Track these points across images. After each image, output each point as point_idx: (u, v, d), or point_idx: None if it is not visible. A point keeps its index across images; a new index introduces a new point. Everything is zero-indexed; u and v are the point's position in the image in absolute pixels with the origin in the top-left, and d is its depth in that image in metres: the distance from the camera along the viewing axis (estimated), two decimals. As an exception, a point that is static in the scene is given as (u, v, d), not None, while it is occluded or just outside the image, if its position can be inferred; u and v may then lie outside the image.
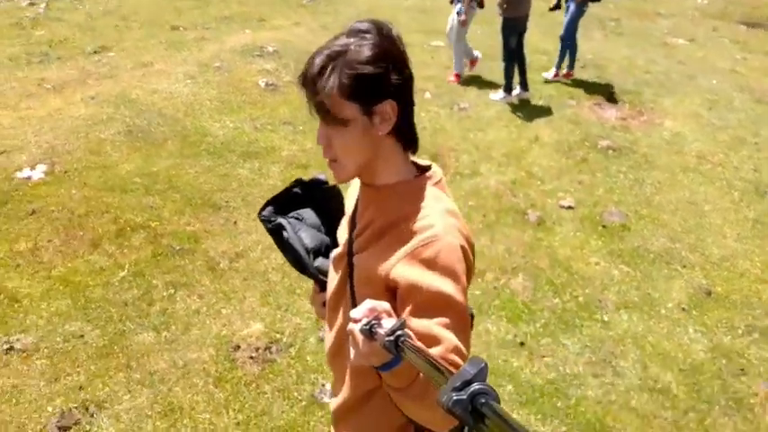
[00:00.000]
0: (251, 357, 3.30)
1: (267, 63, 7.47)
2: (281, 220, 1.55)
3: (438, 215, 1.26)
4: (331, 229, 1.58)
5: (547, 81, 7.85)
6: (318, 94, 1.21)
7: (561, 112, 6.97)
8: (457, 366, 1.09)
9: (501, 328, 3.67)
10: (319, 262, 1.55)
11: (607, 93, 7.60)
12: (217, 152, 5.38)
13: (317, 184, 1.64)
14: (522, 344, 3.56)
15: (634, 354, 3.60)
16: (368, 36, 1.22)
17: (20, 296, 3.63)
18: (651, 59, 9.29)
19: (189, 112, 6.09)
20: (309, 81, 1.23)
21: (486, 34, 8.94)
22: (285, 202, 1.61)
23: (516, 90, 7.20)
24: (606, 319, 3.85)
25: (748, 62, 10.40)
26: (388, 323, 0.95)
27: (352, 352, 1.05)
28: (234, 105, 6.41)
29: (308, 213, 1.62)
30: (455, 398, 0.67)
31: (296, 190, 1.62)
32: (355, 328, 1.02)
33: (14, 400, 2.96)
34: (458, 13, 7.32)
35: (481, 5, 7.57)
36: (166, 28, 9.37)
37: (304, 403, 3.06)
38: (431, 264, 1.20)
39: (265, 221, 1.58)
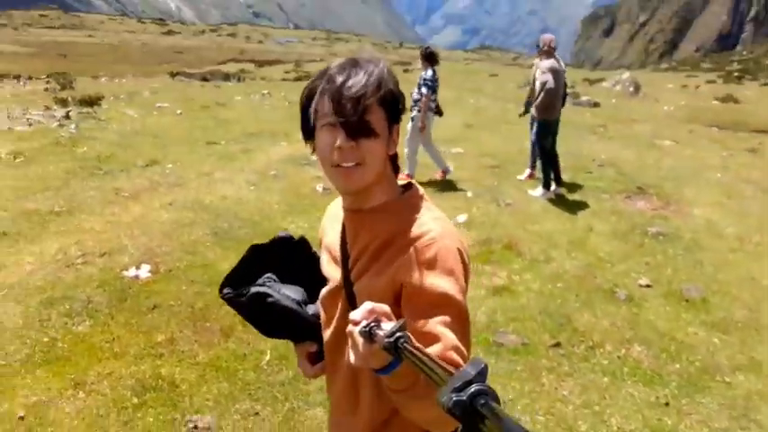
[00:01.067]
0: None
1: (317, 171, 7.89)
2: (256, 289, 1.50)
3: (433, 221, 1.32)
4: (301, 283, 1.61)
5: (521, 181, 8.46)
6: (364, 99, 1.24)
7: (600, 204, 7.51)
8: (456, 365, 1.12)
9: (641, 392, 3.85)
10: (312, 309, 1.57)
11: (632, 187, 8.23)
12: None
13: (282, 243, 1.63)
14: (666, 404, 3.74)
15: (766, 408, 3.81)
16: (381, 64, 1.33)
17: (177, 381, 3.68)
18: (656, 158, 10.12)
19: (263, 215, 6.36)
20: (356, 86, 1.25)
21: (510, 138, 9.65)
22: (242, 274, 1.58)
23: (553, 186, 7.74)
24: (728, 380, 4.08)
25: (735, 158, 11.40)
26: (388, 326, 0.95)
27: (351, 355, 1.04)
28: (299, 208, 6.72)
29: (271, 275, 1.60)
30: (455, 398, 0.67)
31: (252, 257, 1.60)
32: (355, 330, 1.01)
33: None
34: (412, 119, 7.79)
35: (439, 113, 8.08)
36: (202, 143, 9.82)
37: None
38: (430, 264, 1.24)
39: (234, 297, 1.52)
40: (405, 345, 0.88)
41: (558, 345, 4.33)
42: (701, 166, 10.24)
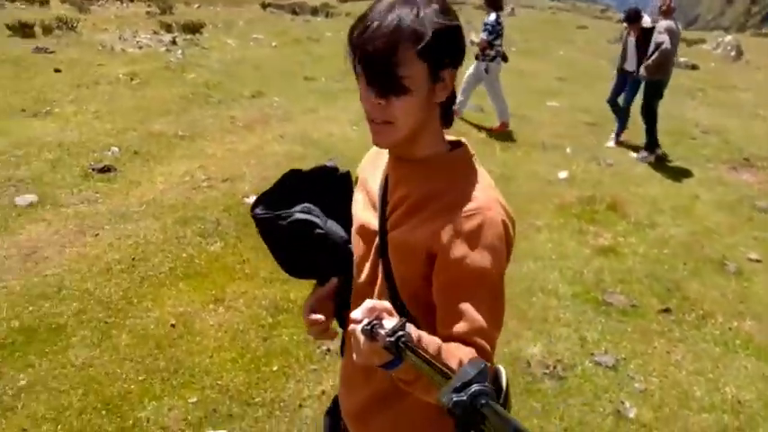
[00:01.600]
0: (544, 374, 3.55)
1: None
2: (302, 216, 1.34)
3: (479, 188, 1.22)
4: (338, 219, 1.44)
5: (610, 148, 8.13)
6: (393, 54, 1.10)
7: (704, 173, 7.33)
8: (480, 349, 1.11)
9: (754, 365, 3.88)
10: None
11: (738, 157, 7.95)
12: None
13: (324, 173, 1.45)
14: (783, 379, 3.78)
15: None
16: (425, 5, 1.14)
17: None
18: (762, 129, 9.68)
19: (368, 155, 6.53)
20: (382, 38, 1.10)
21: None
22: (277, 197, 1.39)
23: (658, 150, 7.57)
24: (843, 362, 4.06)
25: None
26: (390, 323, 0.93)
27: (354, 353, 1.02)
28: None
29: (309, 205, 1.41)
30: (455, 399, 0.66)
31: (289, 182, 1.41)
32: (357, 328, 0.98)
33: None
34: (486, 70, 7.85)
35: (504, 59, 8.06)
36: (300, 78, 9.99)
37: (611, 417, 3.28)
38: (471, 237, 1.16)
39: (271, 218, 1.33)
40: (406, 344, 0.86)
41: (667, 310, 4.38)
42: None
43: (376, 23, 1.11)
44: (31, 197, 4.67)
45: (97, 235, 4.39)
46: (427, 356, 0.83)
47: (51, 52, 9.46)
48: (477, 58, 7.90)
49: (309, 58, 11.94)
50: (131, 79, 8.45)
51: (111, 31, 11.71)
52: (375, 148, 1.44)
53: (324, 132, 6.92)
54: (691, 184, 6.94)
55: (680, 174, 7.23)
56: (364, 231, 1.34)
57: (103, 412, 2.95)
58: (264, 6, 19.26)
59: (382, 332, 0.92)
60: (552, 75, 12.92)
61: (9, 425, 2.81)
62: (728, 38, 20.77)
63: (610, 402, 3.41)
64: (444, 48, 1.15)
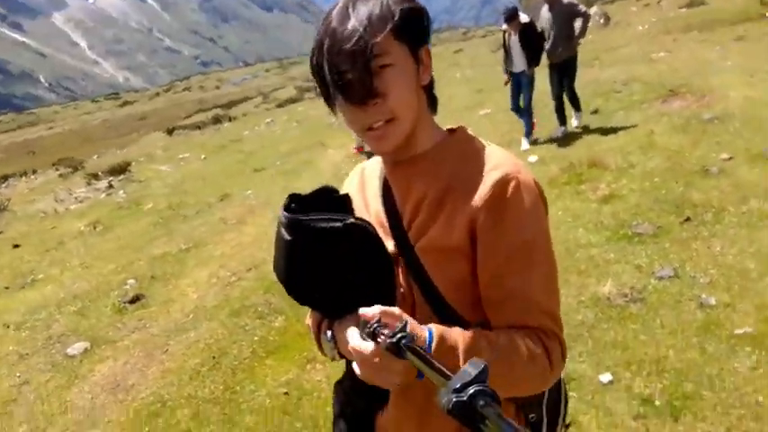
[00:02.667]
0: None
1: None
2: (355, 220, 1.12)
3: (500, 155, 1.15)
4: None
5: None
6: (367, 44, 1.03)
7: (645, 113, 8.08)
8: (552, 336, 1.09)
9: (781, 230, 4.36)
10: None
11: (664, 92, 8.79)
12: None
13: (325, 195, 1.22)
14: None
15: None
16: None
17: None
18: (664, 67, 10.70)
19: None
20: (351, 36, 1.04)
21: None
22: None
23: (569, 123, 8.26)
24: None
25: (729, 48, 12.04)
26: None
27: (356, 368, 0.99)
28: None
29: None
30: (455, 399, 0.66)
31: (293, 205, 1.17)
32: (357, 339, 0.98)
33: None
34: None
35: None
36: (250, 172, 10.27)
37: (702, 312, 3.62)
38: (509, 205, 1.08)
39: (313, 221, 1.07)
40: (407, 345, 0.85)
41: (688, 219, 4.84)
42: (706, 61, 10.82)
43: (341, 29, 1.05)
44: (83, 344, 4.68)
45: (166, 351, 4.44)
46: (429, 356, 0.81)
47: (0, 232, 9.36)
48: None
49: (243, 156, 12.28)
50: (94, 227, 8.49)
51: (43, 198, 11.65)
52: (353, 173, 1.38)
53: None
54: (640, 124, 7.61)
55: (626, 121, 7.92)
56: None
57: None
58: (170, 132, 19.57)
59: (384, 332, 0.90)
60: (468, 91, 13.75)
61: None
62: (594, 8, 22.65)
63: (690, 300, 3.76)
64: (416, 25, 1.11)
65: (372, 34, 1.04)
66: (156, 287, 5.63)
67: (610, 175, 6.18)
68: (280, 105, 24.33)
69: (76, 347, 4.66)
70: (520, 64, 7.87)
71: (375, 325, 0.94)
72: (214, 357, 4.27)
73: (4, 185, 17.33)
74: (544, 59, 7.90)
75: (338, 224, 1.07)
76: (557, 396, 1.34)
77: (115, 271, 6.16)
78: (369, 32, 1.04)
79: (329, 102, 1.14)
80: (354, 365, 1.00)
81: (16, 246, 8.37)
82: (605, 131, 7.73)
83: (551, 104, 8.22)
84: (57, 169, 17.24)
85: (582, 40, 7.82)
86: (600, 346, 3.50)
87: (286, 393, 3.76)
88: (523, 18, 7.77)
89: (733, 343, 3.27)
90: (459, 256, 1.11)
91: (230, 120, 21.63)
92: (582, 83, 8.94)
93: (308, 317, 1.31)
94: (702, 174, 5.65)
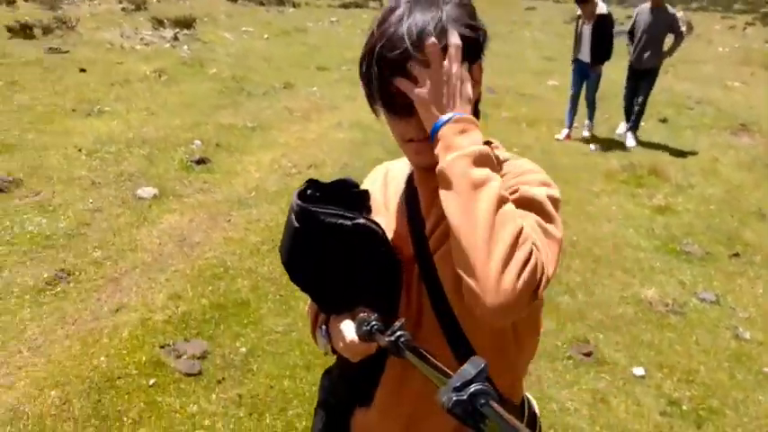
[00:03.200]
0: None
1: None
2: (367, 222, 1.10)
3: (529, 166, 1.15)
4: None
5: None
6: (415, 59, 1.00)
7: (713, 139, 8.14)
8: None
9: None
10: None
11: (735, 124, 8.82)
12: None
13: (343, 187, 1.19)
14: None
15: None
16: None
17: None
18: (738, 98, 10.64)
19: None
20: (403, 45, 0.99)
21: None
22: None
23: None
24: None
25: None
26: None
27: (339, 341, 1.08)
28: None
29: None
30: (455, 398, 0.65)
31: (309, 192, 1.15)
32: (349, 328, 1.04)
33: None
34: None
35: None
36: (313, 68, 10.28)
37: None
38: (520, 177, 1.09)
39: (327, 216, 1.06)
40: (406, 343, 0.86)
41: (737, 255, 5.04)
42: (781, 106, 10.78)
43: (395, 36, 1.00)
44: (152, 190, 4.90)
45: (229, 221, 4.68)
46: (428, 356, 0.81)
47: (66, 52, 9.41)
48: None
49: (307, 49, 12.22)
50: (159, 76, 8.57)
51: (109, 28, 11.61)
52: (378, 172, 1.36)
53: (372, 118, 7.29)
54: (706, 148, 7.70)
55: (694, 140, 7.99)
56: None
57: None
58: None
59: (382, 332, 0.91)
60: (537, 55, 13.60)
61: (256, 382, 3.15)
62: (680, 14, 22.00)
63: (726, 329, 4.02)
64: (473, 47, 1.07)
65: (422, 49, 0.99)
66: (222, 155, 5.82)
67: (668, 187, 6.33)
68: (343, 6, 23.83)
69: (146, 191, 4.87)
70: (587, 54, 7.47)
71: (373, 323, 0.96)
72: (273, 241, 4.51)
73: (67, 1, 17.12)
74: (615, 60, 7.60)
75: (347, 222, 1.06)
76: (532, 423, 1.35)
77: (182, 127, 6.32)
78: (419, 47, 0.99)
79: (372, 104, 1.12)
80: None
81: (82, 70, 8.45)
82: (671, 144, 7.81)
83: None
84: (119, 1, 16.99)
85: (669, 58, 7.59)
86: (636, 343, 3.77)
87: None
88: (601, 8, 7.19)
89: (761, 378, 3.55)
90: None
91: (294, 5, 21.22)
92: (655, 89, 8.94)
93: (307, 305, 1.32)
94: (759, 216, 5.82)
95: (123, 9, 15.32)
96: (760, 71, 15.64)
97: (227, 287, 3.90)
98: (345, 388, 1.34)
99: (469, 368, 0.68)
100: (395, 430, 1.27)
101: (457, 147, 0.97)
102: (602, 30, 7.21)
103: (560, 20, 23.52)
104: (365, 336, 0.98)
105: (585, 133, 8.02)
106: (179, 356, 3.26)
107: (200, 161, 5.54)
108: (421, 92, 0.99)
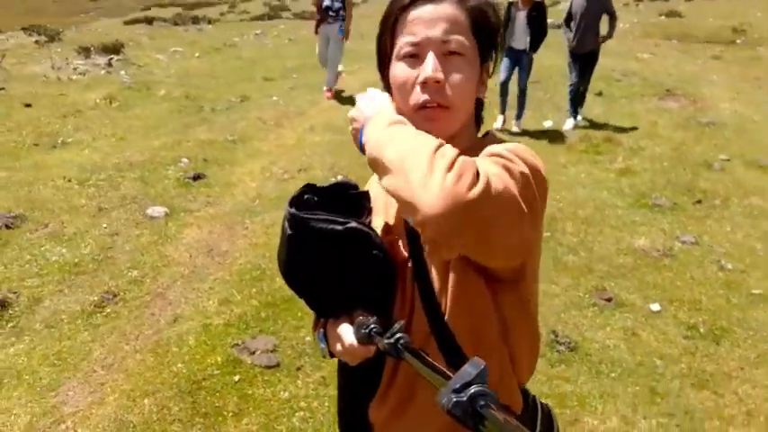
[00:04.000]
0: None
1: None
2: (359, 225, 1.10)
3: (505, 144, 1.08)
4: None
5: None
6: (458, 22, 1.08)
7: (646, 105, 8.93)
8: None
9: (777, 223, 5.26)
10: None
11: (661, 90, 9.68)
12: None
13: (340, 189, 1.21)
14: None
15: None
16: None
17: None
18: (656, 68, 11.59)
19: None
20: (447, 3, 1.08)
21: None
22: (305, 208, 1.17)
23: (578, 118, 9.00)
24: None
25: (708, 65, 13.14)
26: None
27: (338, 346, 1.11)
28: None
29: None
30: (455, 400, 0.65)
31: (307, 197, 1.17)
32: (348, 332, 1.08)
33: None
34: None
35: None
36: (260, 80, 10.41)
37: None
38: (494, 152, 1.00)
39: (318, 222, 1.08)
40: (405, 346, 0.86)
41: (699, 201, 5.67)
42: (692, 72, 11.84)
43: None
44: (162, 209, 4.96)
45: (247, 228, 4.84)
46: (427, 358, 0.81)
47: (1, 89, 9.11)
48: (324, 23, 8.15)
49: (244, 63, 12.26)
50: (110, 102, 8.47)
51: (37, 61, 11.23)
52: None
53: (341, 119, 7.56)
54: (643, 114, 8.46)
55: (630, 108, 8.75)
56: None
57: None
58: (150, 21, 18.86)
59: (381, 335, 0.92)
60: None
61: (332, 364, 3.38)
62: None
63: (711, 263, 4.59)
64: (489, 34, 1.12)
65: (455, 16, 1.07)
66: (214, 169, 5.92)
67: (623, 152, 6.96)
68: (257, 18, 23.81)
69: (157, 210, 4.94)
70: (521, 41, 7.37)
71: (371, 326, 0.97)
72: (296, 240, 4.71)
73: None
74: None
75: (338, 227, 1.07)
76: (549, 423, 1.33)
77: (164, 147, 6.35)
78: (463, 9, 1.08)
79: (382, 69, 1.16)
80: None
81: (28, 105, 8.22)
82: (612, 114, 8.51)
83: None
84: (29, 34, 16.30)
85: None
86: (644, 284, 4.26)
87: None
88: None
89: (752, 298, 4.11)
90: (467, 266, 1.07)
91: (210, 22, 21.03)
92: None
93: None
94: (706, 167, 6.52)
95: (36, 42, 14.74)
96: (663, 42, 16.98)
97: (269, 287, 4.08)
98: (350, 393, 1.33)
99: (469, 369, 0.67)
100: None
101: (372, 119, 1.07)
102: (540, 16, 7.30)
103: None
104: (364, 339, 0.99)
105: (515, 129, 7.88)
106: (252, 353, 3.44)
107: (197, 177, 5.63)
108: None
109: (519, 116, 7.92)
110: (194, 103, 8.51)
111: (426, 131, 0.99)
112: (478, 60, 1.11)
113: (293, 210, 1.09)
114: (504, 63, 7.61)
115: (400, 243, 1.17)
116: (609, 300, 4.06)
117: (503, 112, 8.00)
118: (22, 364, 3.29)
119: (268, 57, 12.85)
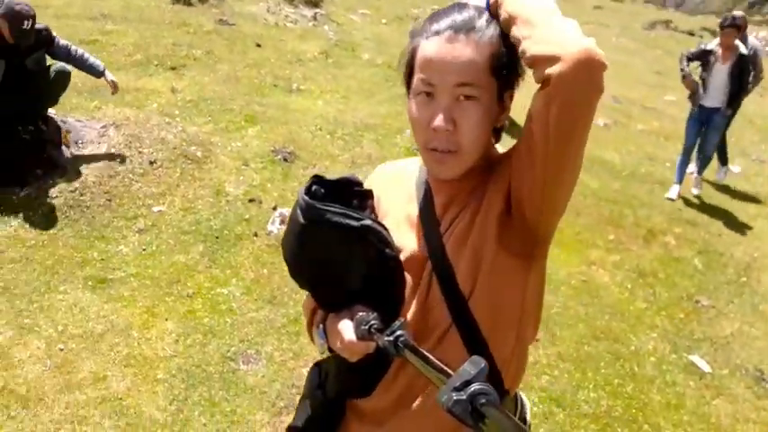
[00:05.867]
0: None
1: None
2: (374, 224, 1.13)
3: None
4: None
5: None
6: (472, 46, 1.07)
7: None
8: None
9: None
10: None
11: None
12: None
13: (346, 184, 1.21)
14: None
15: None
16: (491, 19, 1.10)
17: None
18: None
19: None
20: (462, 27, 1.08)
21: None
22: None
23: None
24: None
25: None
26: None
27: (338, 341, 1.10)
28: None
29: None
30: (455, 398, 0.66)
31: (315, 188, 1.15)
32: (349, 328, 1.06)
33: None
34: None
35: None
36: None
37: None
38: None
39: (335, 215, 1.10)
40: (405, 343, 0.87)
41: None
42: None
43: (453, 29, 1.09)
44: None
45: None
46: (426, 356, 0.82)
47: (233, 24, 10.16)
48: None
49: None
50: (326, 58, 9.33)
51: (253, 2, 12.30)
52: (391, 169, 1.39)
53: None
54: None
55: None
56: (408, 262, 1.19)
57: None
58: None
59: (381, 332, 0.93)
60: (646, 69, 14.16)
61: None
62: (763, 33, 22.29)
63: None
64: (511, 67, 1.11)
65: (470, 60, 1.07)
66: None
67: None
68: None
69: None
70: (717, 98, 6.36)
71: (372, 323, 0.98)
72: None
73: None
74: None
75: (354, 222, 1.09)
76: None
77: (389, 116, 7.11)
78: (479, 53, 1.08)
79: (409, 90, 1.20)
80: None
81: (258, 45, 9.21)
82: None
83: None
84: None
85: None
86: None
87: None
88: (744, 47, 6.24)
89: None
90: (506, 246, 1.13)
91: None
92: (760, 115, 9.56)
93: (304, 301, 1.34)
94: None
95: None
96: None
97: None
98: (341, 386, 1.30)
99: (469, 368, 0.68)
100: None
101: None
102: (744, 67, 6.25)
103: (638, 24, 23.86)
104: (364, 335, 1.00)
105: (695, 191, 6.96)
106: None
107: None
108: None
109: (700, 171, 6.95)
110: (399, 75, 9.19)
111: (435, 172, 1.16)
112: (496, 97, 1.13)
113: (309, 199, 1.10)
114: (689, 126, 6.70)
115: (416, 242, 1.20)
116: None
117: (680, 181, 6.82)
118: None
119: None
